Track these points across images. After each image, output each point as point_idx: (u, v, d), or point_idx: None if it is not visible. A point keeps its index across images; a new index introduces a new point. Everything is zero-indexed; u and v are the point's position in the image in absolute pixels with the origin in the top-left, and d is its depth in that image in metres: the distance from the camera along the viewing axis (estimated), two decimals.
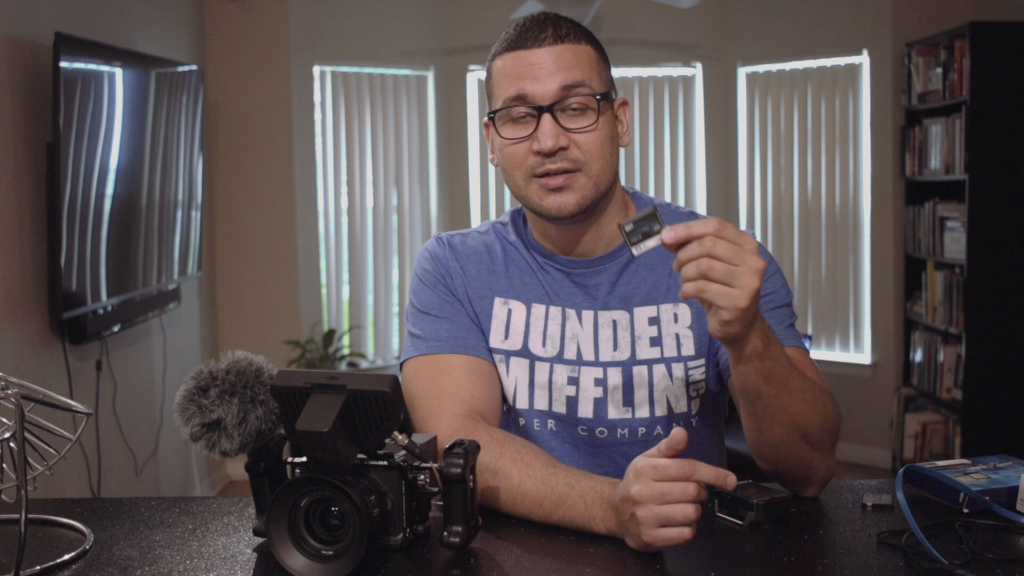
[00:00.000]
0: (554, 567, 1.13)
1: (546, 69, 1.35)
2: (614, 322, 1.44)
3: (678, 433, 1.12)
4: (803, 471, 1.31)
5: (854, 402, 5.08)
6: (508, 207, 5.63)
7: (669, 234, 1.12)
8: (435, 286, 1.48)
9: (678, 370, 1.43)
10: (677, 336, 1.43)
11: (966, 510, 1.24)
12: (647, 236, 1.15)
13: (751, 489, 1.24)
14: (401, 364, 1.47)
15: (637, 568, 1.10)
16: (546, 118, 1.35)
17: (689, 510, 1.09)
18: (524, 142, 1.37)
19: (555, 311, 1.45)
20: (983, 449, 4.12)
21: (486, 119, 1.45)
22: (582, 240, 1.44)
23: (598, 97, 1.37)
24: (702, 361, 1.44)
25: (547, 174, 1.36)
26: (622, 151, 1.45)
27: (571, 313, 1.45)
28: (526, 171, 1.38)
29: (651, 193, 5.55)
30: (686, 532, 1.10)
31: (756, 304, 1.13)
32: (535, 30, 1.37)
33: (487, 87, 1.44)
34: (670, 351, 1.43)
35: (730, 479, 1.10)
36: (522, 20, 1.40)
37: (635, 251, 1.15)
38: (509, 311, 1.46)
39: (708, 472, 1.11)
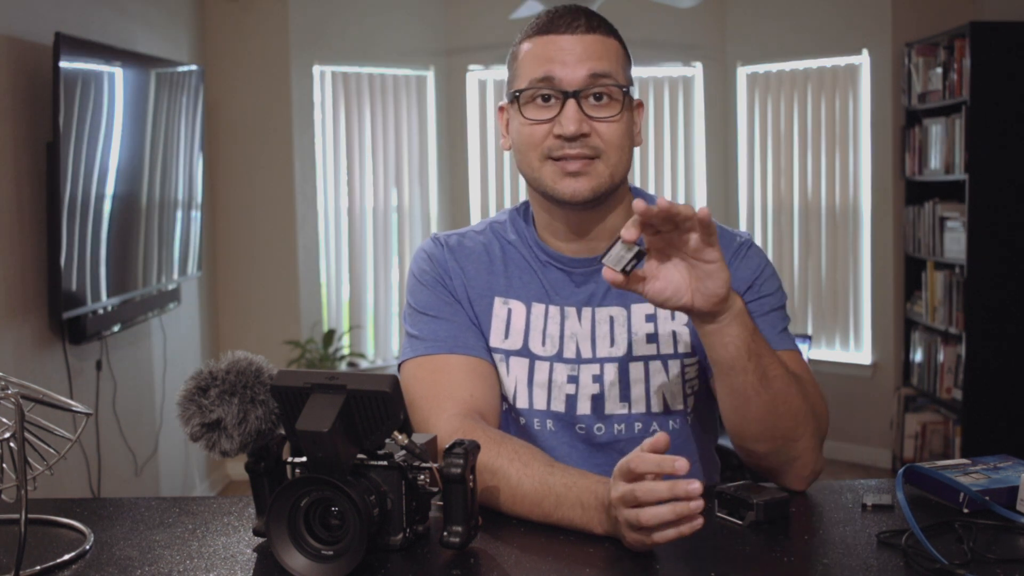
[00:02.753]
0: (554, 567, 1.13)
1: (576, 55, 1.36)
2: (611, 318, 1.44)
3: (661, 437, 1.11)
4: (786, 454, 1.31)
5: (854, 402, 5.08)
6: (508, 207, 5.64)
7: (609, 274, 1.17)
8: (433, 287, 1.48)
9: (674, 367, 1.44)
10: (674, 333, 1.44)
11: (966, 510, 1.23)
12: (620, 261, 1.17)
13: (751, 489, 1.24)
14: (399, 365, 1.47)
15: (636, 568, 1.10)
16: (570, 103, 1.35)
17: (657, 512, 1.05)
18: (544, 124, 1.37)
19: (554, 310, 1.45)
20: (983, 449, 4.11)
21: (503, 103, 1.46)
22: (586, 231, 1.44)
23: (624, 89, 1.38)
24: (697, 358, 1.45)
25: (564, 158, 1.36)
26: None
27: (570, 312, 1.45)
28: (541, 152, 1.38)
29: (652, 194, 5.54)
30: (647, 540, 1.07)
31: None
32: (568, 17, 1.39)
33: (511, 69, 1.44)
34: (667, 348, 1.44)
35: (679, 463, 1.05)
36: (554, 8, 1.41)
37: (604, 258, 1.19)
38: (509, 311, 1.46)
39: (653, 462, 1.07)
